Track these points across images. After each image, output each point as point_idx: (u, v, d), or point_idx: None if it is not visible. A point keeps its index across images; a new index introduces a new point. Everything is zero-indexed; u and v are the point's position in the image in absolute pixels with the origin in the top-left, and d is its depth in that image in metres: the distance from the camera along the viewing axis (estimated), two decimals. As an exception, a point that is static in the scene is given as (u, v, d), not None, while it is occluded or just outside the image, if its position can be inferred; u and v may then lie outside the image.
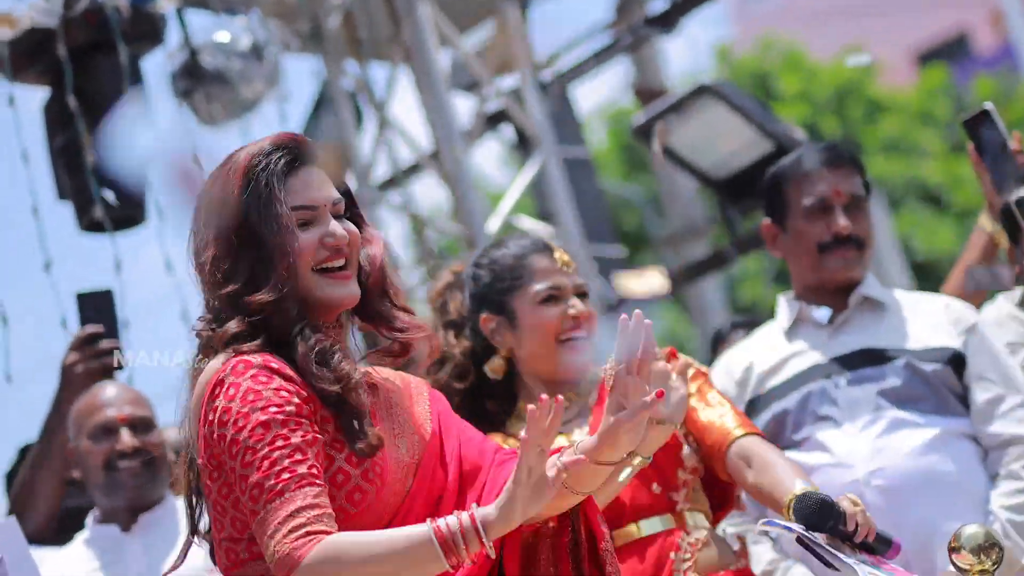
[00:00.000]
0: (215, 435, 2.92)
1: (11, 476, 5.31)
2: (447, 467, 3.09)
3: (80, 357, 4.91)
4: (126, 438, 4.59)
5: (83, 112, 7.00)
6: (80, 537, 4.68)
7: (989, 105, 4.70)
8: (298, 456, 2.87)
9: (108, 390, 4.72)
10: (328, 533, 2.82)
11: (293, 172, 3.04)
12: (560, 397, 2.85)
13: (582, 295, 3.99)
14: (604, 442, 2.96)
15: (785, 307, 4.55)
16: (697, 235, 11.92)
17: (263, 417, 2.90)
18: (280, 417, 2.89)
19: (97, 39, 7.07)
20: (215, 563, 3.05)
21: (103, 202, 6.70)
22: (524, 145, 9.20)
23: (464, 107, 9.23)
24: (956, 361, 4.36)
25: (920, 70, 22.88)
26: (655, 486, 3.83)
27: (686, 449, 3.88)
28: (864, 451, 4.25)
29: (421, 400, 3.19)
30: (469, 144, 8.76)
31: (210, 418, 2.94)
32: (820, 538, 3.43)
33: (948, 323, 4.41)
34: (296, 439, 2.88)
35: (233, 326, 2.99)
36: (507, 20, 8.97)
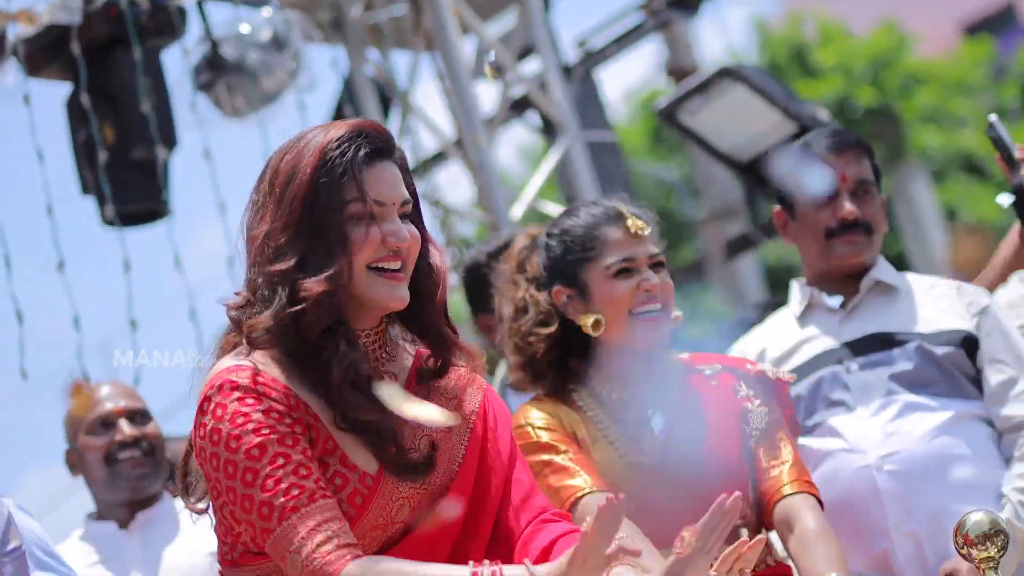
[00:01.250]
0: (207, 452, 2.89)
1: None
2: (486, 485, 3.05)
3: None
4: (125, 428, 4.62)
5: (103, 107, 7.04)
6: (76, 533, 4.70)
7: (993, 117, 4.66)
8: (303, 472, 2.84)
9: (101, 388, 4.74)
10: (356, 546, 2.81)
11: (370, 163, 2.93)
12: (622, 496, 2.78)
13: (658, 264, 3.87)
14: None
15: (797, 293, 4.53)
16: (732, 216, 11.90)
17: (257, 439, 2.85)
18: (274, 437, 2.84)
19: (116, 34, 7.10)
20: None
21: (118, 197, 6.72)
22: (549, 130, 9.18)
23: (488, 94, 9.21)
24: (969, 344, 4.32)
25: (965, 42, 22.68)
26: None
27: (751, 476, 3.84)
28: (876, 436, 4.22)
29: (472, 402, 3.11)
30: (493, 131, 8.74)
31: (200, 433, 2.90)
32: None
33: (961, 306, 4.38)
34: (296, 456, 2.84)
35: (265, 321, 2.90)
36: (529, 6, 8.93)
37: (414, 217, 3.01)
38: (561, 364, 3.91)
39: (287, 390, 2.89)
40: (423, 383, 3.03)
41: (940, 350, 4.29)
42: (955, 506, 4.03)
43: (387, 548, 2.91)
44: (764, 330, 4.58)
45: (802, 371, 4.36)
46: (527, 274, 3.99)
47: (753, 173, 7.89)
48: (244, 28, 7.89)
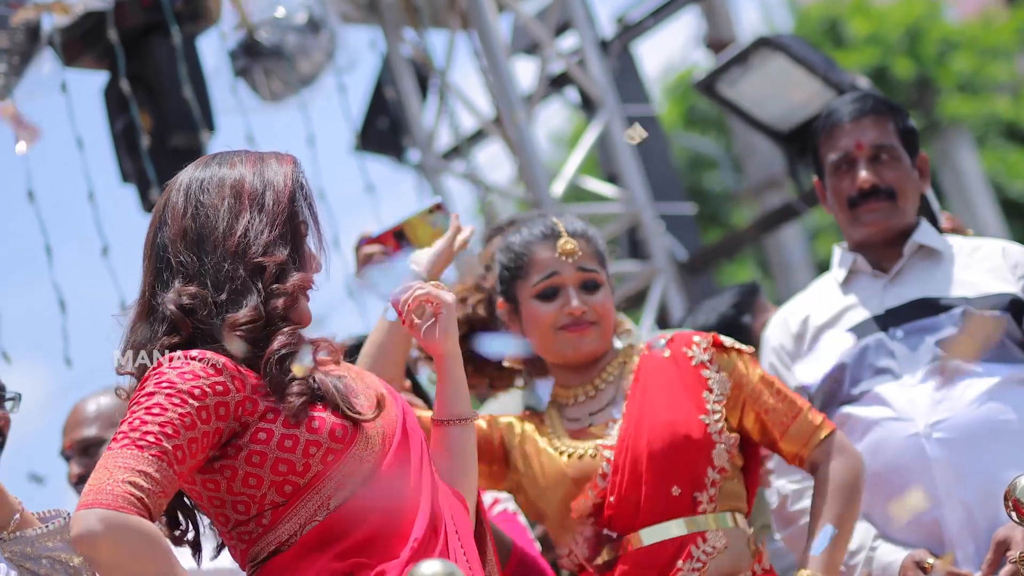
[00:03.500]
0: (140, 390, 2.98)
1: None
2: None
3: None
4: (74, 467, 4.60)
5: (139, 95, 7.05)
6: None
7: None
8: (169, 430, 2.88)
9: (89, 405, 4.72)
10: (151, 520, 2.84)
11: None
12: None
13: (591, 283, 3.88)
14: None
15: (840, 258, 4.49)
16: (775, 187, 11.84)
17: (151, 388, 2.94)
18: (167, 391, 2.92)
19: (152, 21, 7.11)
20: (235, 559, 3.09)
21: (163, 184, 6.72)
22: (588, 106, 9.15)
23: (526, 71, 9.20)
24: (1016, 307, 4.28)
25: (1007, 8, 22.49)
26: (675, 488, 3.71)
27: (719, 447, 3.76)
28: (924, 403, 4.18)
29: (366, 375, 3.28)
30: (532, 108, 8.71)
31: (141, 385, 3.00)
32: None
33: (1006, 268, 4.34)
34: (172, 414, 2.90)
35: (246, 315, 3.04)
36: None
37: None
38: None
39: (242, 369, 3.01)
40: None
41: (986, 314, 4.25)
42: (1006, 472, 3.97)
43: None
44: (807, 296, 4.55)
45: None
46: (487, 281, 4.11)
47: (794, 143, 7.84)
48: (280, 12, 7.88)
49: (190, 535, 3.11)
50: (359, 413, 3.06)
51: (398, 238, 4.28)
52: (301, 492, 2.98)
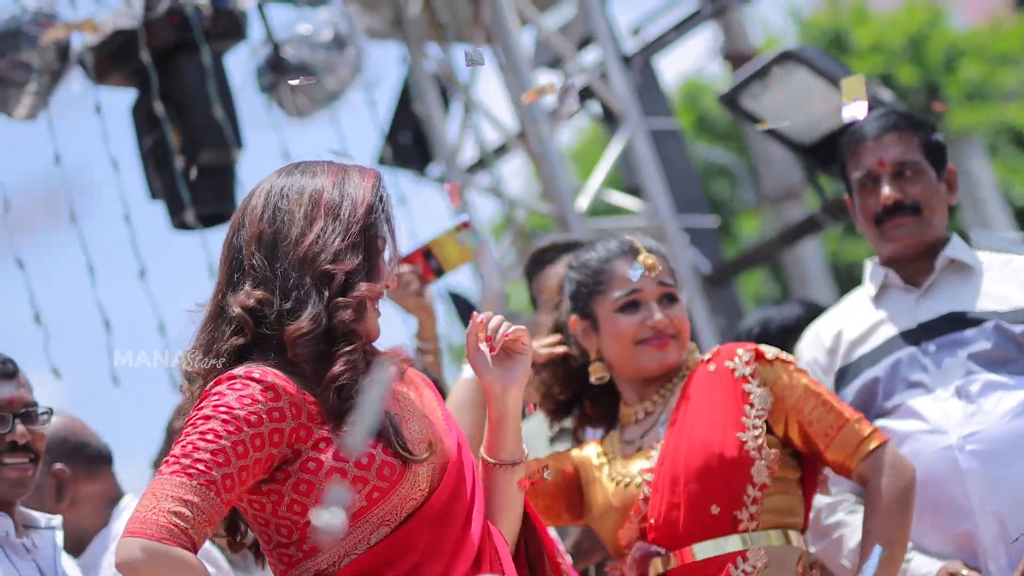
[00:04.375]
0: (195, 412, 2.97)
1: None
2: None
3: None
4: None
5: (169, 112, 7.09)
6: None
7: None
8: (220, 458, 2.89)
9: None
10: (194, 551, 2.85)
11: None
12: None
13: (668, 298, 3.94)
14: None
15: (871, 273, 4.52)
16: (792, 199, 11.86)
17: (208, 412, 2.92)
18: (223, 416, 2.91)
19: (180, 39, 7.15)
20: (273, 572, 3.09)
21: (194, 201, 6.78)
22: (610, 119, 9.19)
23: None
24: (1048, 321, 4.31)
25: (1020, 16, 22.43)
26: (714, 507, 3.73)
27: (758, 464, 3.77)
28: (957, 416, 4.21)
29: (425, 390, 3.23)
30: (555, 122, 8.75)
31: (200, 403, 2.99)
32: None
33: (1038, 282, 4.37)
34: (226, 442, 2.90)
35: (306, 325, 2.99)
36: (586, -5, 8.95)
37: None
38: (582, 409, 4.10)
39: (302, 393, 2.98)
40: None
41: (1018, 328, 4.28)
42: (1039, 484, 4.04)
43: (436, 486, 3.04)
44: (839, 311, 4.58)
45: (879, 352, 4.36)
46: (559, 318, 4.11)
47: (817, 155, 7.86)
48: (305, 28, 7.93)
49: (248, 539, 3.10)
50: (410, 453, 3.00)
51: (426, 257, 4.33)
52: None
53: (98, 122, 6.50)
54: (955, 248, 4.44)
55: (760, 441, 3.78)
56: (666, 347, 3.90)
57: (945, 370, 4.28)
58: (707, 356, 3.92)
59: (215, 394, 2.95)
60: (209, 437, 2.89)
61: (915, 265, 4.44)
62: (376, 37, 8.74)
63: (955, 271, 4.43)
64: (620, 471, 3.88)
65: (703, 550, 3.73)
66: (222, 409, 2.92)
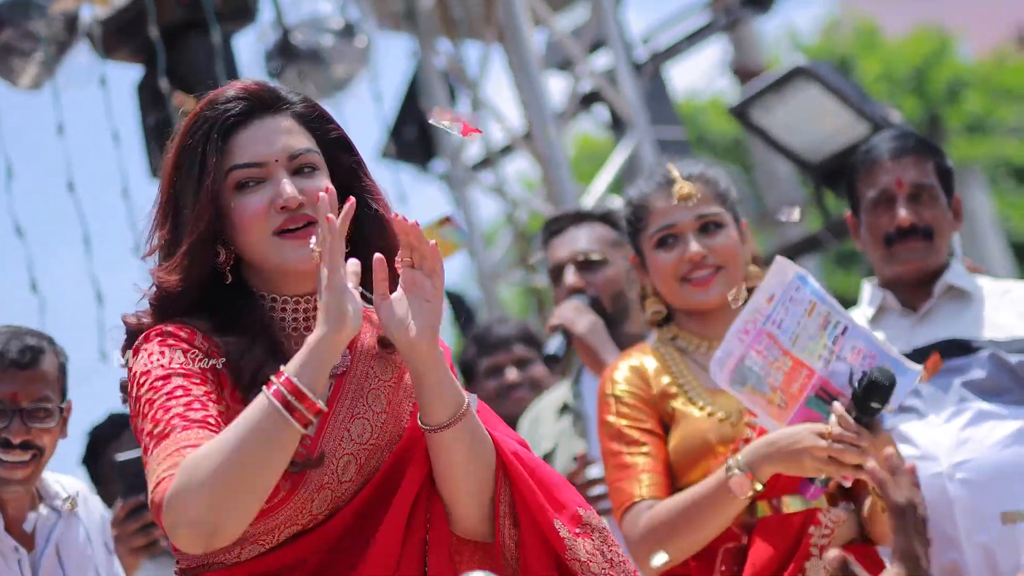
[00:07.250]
0: (131, 399, 2.74)
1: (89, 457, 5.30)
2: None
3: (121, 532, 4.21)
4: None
5: (175, 91, 7.06)
6: None
7: None
8: (196, 405, 2.64)
9: None
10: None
11: (242, 125, 2.75)
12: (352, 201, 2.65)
13: (711, 225, 3.85)
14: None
15: (870, 295, 4.49)
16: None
17: (162, 372, 2.68)
18: (183, 371, 2.67)
19: (190, 18, 7.13)
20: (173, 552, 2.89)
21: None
22: (618, 125, 9.16)
23: (557, 87, 9.20)
24: (1045, 351, 4.28)
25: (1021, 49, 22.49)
26: None
27: None
28: (948, 443, 4.18)
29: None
30: (562, 124, 8.72)
31: (128, 384, 2.76)
32: None
33: (1036, 312, 4.34)
34: (197, 391, 2.66)
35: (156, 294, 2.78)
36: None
37: (343, 164, 2.83)
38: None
39: (211, 341, 2.76)
40: (387, 349, 2.88)
41: (1014, 358, 4.25)
42: (1027, 515, 4.01)
43: (340, 508, 2.78)
44: (837, 332, 4.54)
45: (874, 375, 4.33)
46: None
47: (824, 173, 7.84)
48: (315, 14, 7.91)
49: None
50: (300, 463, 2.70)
51: None
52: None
53: (102, 95, 6.46)
54: (954, 274, 4.42)
55: None
56: (708, 284, 3.83)
57: (938, 397, 4.25)
58: None
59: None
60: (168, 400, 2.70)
61: (914, 289, 4.42)
62: (387, 29, 8.71)
63: (953, 297, 4.41)
64: (710, 401, 3.79)
65: (794, 503, 3.71)
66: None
